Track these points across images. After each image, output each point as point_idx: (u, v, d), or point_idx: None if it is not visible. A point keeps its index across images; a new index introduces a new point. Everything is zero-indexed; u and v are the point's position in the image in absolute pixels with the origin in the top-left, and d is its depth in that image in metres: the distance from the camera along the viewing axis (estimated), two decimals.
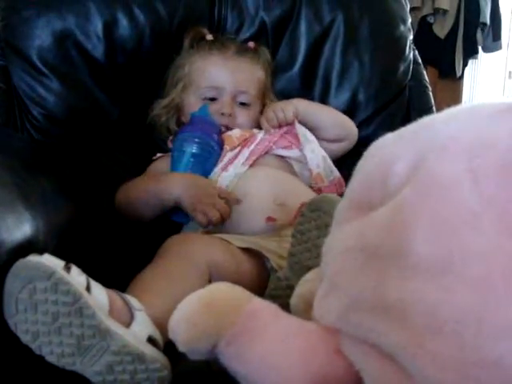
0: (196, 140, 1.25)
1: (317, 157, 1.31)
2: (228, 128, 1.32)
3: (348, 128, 1.40)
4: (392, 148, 0.63)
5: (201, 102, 1.34)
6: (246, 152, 1.29)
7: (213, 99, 1.34)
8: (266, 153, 1.31)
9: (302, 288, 0.80)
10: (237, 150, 1.29)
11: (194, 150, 1.25)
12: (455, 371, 0.53)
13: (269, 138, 1.33)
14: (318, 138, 1.36)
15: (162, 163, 1.31)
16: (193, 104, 1.34)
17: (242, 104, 1.35)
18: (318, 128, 1.36)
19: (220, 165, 1.27)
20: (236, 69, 1.34)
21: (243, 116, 1.34)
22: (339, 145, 1.39)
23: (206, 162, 1.27)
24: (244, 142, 1.31)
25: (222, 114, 1.32)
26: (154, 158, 1.35)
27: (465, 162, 0.56)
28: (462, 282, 0.53)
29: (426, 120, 0.64)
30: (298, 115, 1.35)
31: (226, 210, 1.15)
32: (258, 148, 1.30)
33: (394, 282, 0.56)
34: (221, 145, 1.29)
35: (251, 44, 1.42)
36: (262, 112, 1.40)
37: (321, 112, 1.39)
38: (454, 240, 0.54)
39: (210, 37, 1.39)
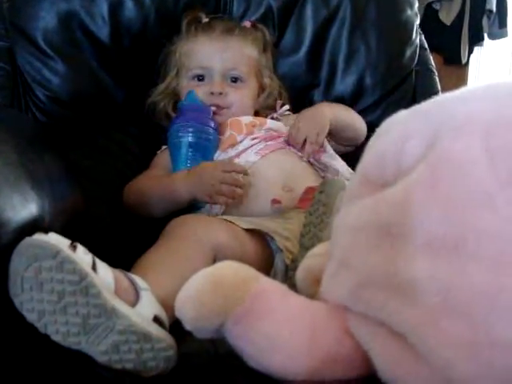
0: (190, 129, 1.24)
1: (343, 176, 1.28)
2: (219, 107, 1.31)
3: (362, 139, 1.38)
4: (406, 125, 0.63)
5: (192, 84, 1.33)
6: (262, 143, 1.27)
7: (201, 77, 1.33)
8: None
9: (308, 261, 0.80)
10: (253, 140, 1.28)
11: (190, 140, 1.23)
12: (467, 351, 0.53)
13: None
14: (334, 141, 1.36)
15: (165, 156, 1.31)
16: (186, 87, 1.34)
17: (234, 81, 1.33)
18: (340, 139, 1.36)
19: (232, 153, 1.26)
20: (223, 48, 1.33)
21: (235, 94, 1.33)
22: (347, 148, 1.39)
23: (205, 150, 1.25)
24: (263, 136, 1.29)
25: (212, 93, 1.30)
26: (159, 151, 1.35)
27: (481, 141, 0.55)
28: (476, 261, 0.53)
29: (440, 98, 0.63)
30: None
31: (235, 181, 1.14)
32: (278, 145, 1.28)
33: (407, 259, 0.56)
34: (216, 127, 1.28)
35: (247, 23, 1.41)
36: (259, 88, 1.39)
37: (350, 128, 1.37)
38: (468, 219, 0.54)
39: (205, 20, 1.38)
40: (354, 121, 1.40)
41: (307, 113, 1.33)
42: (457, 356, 0.53)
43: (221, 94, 1.30)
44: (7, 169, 0.86)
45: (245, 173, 1.17)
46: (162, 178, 1.23)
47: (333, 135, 1.34)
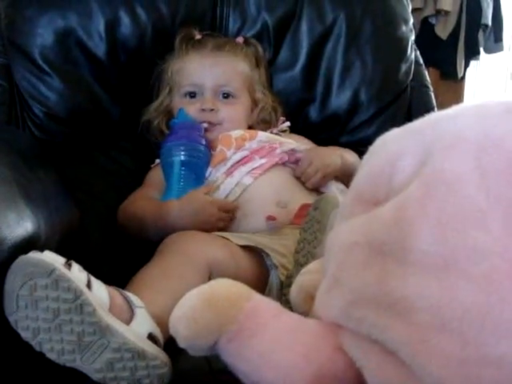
0: (182, 148, 1.24)
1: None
2: (211, 123, 1.31)
3: None
4: (398, 143, 0.63)
5: (184, 101, 1.34)
6: (256, 161, 1.27)
7: (193, 94, 1.34)
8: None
9: (302, 278, 0.80)
10: (243, 153, 1.28)
11: (182, 158, 1.24)
12: (457, 368, 0.53)
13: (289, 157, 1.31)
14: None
15: (158, 172, 1.31)
16: (179, 105, 1.35)
17: (226, 97, 1.34)
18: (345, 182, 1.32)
19: (223, 169, 1.26)
20: (214, 64, 1.34)
21: (227, 110, 1.33)
22: None
23: (197, 168, 1.26)
24: (254, 148, 1.29)
25: (203, 110, 1.31)
26: (152, 165, 1.35)
27: (472, 159, 0.56)
28: (467, 279, 0.53)
29: (432, 116, 0.64)
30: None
31: (227, 218, 1.19)
32: (272, 160, 1.28)
33: (398, 278, 0.56)
34: (208, 144, 1.29)
35: (239, 39, 1.42)
36: (252, 103, 1.39)
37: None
38: (460, 237, 0.54)
39: (198, 37, 1.39)
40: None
41: (321, 151, 1.34)
42: (447, 374, 0.53)
43: (212, 110, 1.31)
44: (2, 186, 0.87)
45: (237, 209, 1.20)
46: (156, 208, 1.21)
47: (339, 178, 1.32)
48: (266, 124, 1.41)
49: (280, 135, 1.39)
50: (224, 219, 1.18)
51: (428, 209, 0.57)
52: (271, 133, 1.37)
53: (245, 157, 1.28)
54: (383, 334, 0.58)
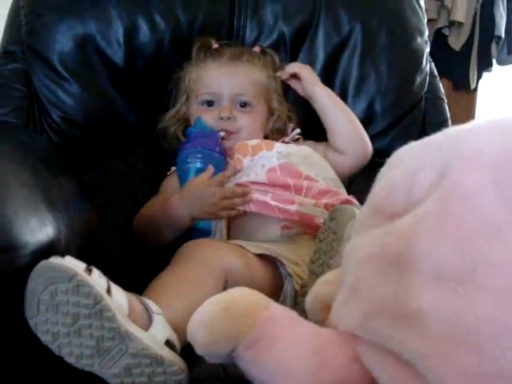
0: (198, 155, 1.25)
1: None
2: (228, 132, 1.32)
3: (358, 141, 1.38)
4: (417, 157, 0.64)
5: (202, 109, 1.35)
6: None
7: (210, 102, 1.34)
8: None
9: (318, 288, 0.80)
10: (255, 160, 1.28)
11: (198, 166, 1.25)
12: (474, 382, 0.54)
13: None
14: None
15: (173, 179, 1.32)
16: (196, 113, 1.35)
17: (243, 106, 1.34)
18: (328, 130, 1.37)
19: (242, 179, 1.26)
20: (231, 73, 1.34)
21: (244, 118, 1.33)
22: (343, 158, 1.37)
23: (212, 175, 1.25)
24: (278, 164, 1.28)
25: (221, 118, 1.31)
26: (168, 173, 1.36)
27: (490, 173, 0.57)
28: (484, 292, 0.54)
29: (451, 131, 0.65)
30: (315, 101, 1.38)
31: (234, 193, 1.19)
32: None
33: (416, 290, 0.57)
34: (224, 152, 1.29)
35: (257, 48, 1.43)
36: (268, 112, 1.39)
37: (338, 114, 1.38)
38: (477, 250, 0.55)
39: (215, 46, 1.40)
40: (346, 114, 1.39)
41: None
42: None
43: (229, 118, 1.31)
44: (25, 191, 0.88)
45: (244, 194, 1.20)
46: (162, 205, 1.23)
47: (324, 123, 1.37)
48: (279, 133, 1.41)
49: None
50: (227, 196, 1.18)
51: (446, 222, 0.58)
52: (283, 142, 1.38)
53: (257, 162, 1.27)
54: (399, 346, 0.59)
